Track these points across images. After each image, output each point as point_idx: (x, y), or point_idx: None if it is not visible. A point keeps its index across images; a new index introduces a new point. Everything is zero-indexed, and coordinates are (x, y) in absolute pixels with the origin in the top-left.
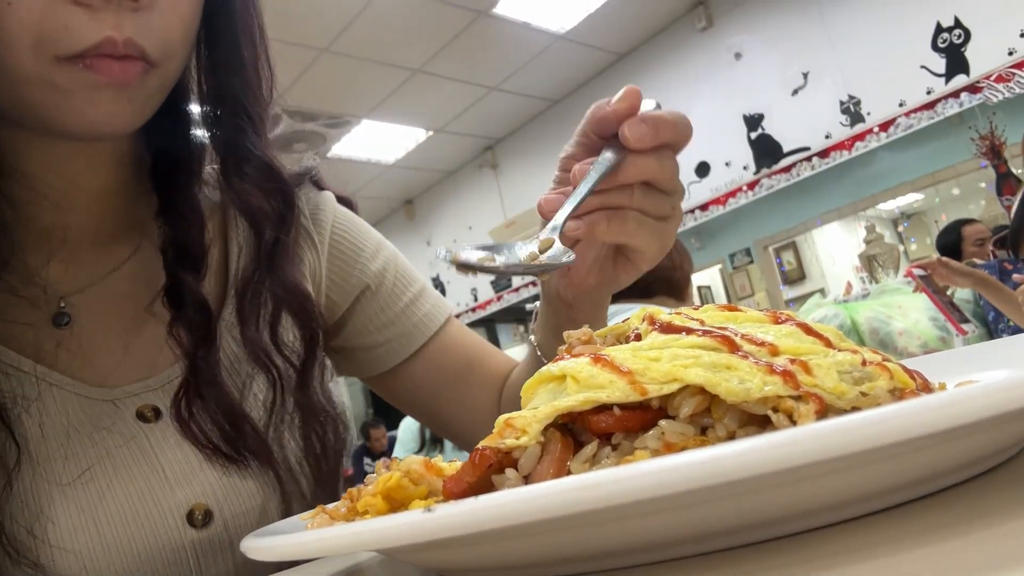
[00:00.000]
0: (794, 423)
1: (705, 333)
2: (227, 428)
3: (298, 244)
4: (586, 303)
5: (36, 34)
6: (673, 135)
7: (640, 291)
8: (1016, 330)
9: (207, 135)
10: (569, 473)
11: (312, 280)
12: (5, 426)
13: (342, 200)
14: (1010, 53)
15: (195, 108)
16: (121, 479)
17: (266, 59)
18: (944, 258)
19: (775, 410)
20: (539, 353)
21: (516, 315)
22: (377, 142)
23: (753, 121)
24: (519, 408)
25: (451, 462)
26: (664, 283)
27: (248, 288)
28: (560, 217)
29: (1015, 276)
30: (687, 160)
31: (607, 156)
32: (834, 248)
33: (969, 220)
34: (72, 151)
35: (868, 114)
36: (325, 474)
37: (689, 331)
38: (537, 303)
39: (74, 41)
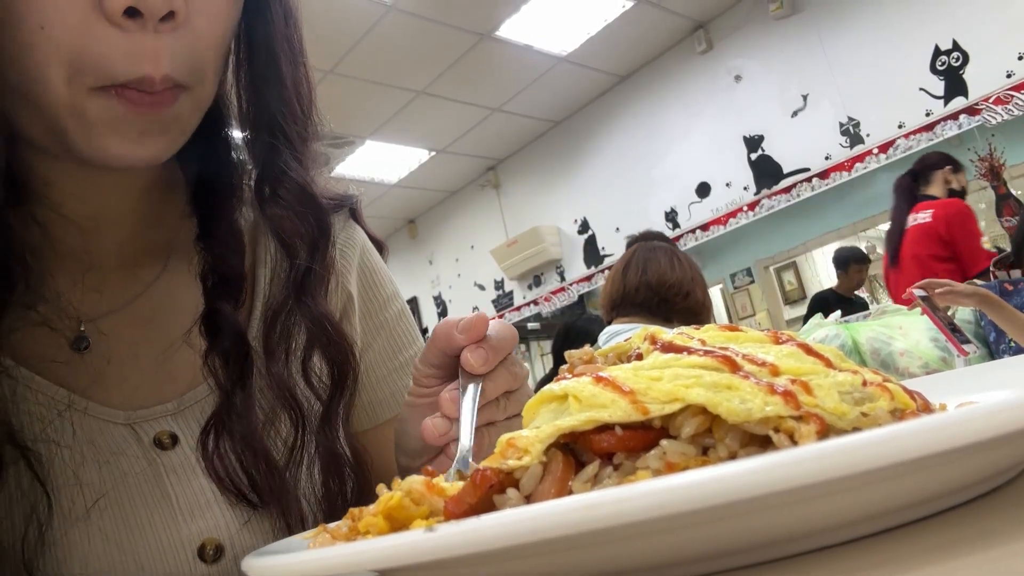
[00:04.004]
0: (795, 443)
1: (706, 353)
2: (251, 469)
3: (330, 272)
4: None
5: (71, 64)
6: (506, 349)
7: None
8: (1017, 350)
9: (245, 156)
10: (571, 493)
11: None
12: (38, 481)
13: (374, 242)
14: (1008, 75)
15: (235, 131)
16: (135, 508)
17: (305, 76)
18: (948, 280)
19: (776, 430)
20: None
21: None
22: (380, 162)
23: (753, 142)
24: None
25: (453, 483)
26: (682, 312)
27: (278, 319)
28: (463, 452)
29: None
30: (688, 181)
31: (470, 384)
32: (835, 268)
33: None
34: (100, 177)
35: (867, 136)
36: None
37: (690, 351)
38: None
39: (111, 75)
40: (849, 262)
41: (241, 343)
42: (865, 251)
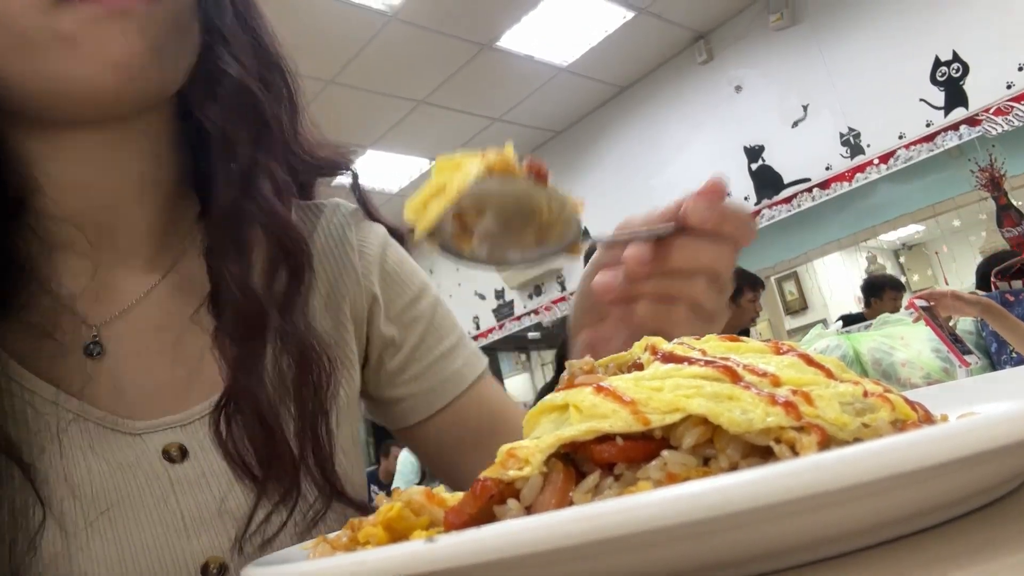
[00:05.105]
0: (796, 454)
1: (707, 363)
2: (261, 446)
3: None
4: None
5: None
6: (735, 228)
7: None
8: (1019, 361)
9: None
10: (571, 504)
11: (353, 315)
12: (31, 486)
13: (394, 231)
14: (1008, 86)
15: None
16: (140, 523)
17: (288, 100)
18: (953, 289)
19: (777, 441)
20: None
21: (517, 344)
22: (382, 171)
23: (754, 152)
24: None
25: (453, 493)
26: None
27: (230, 221)
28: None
29: None
30: (689, 190)
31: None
32: (836, 278)
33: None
34: (104, 159)
35: (868, 146)
36: (309, 420)
37: (691, 361)
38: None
39: None
40: (884, 288)
41: (252, 319)
42: (866, 260)
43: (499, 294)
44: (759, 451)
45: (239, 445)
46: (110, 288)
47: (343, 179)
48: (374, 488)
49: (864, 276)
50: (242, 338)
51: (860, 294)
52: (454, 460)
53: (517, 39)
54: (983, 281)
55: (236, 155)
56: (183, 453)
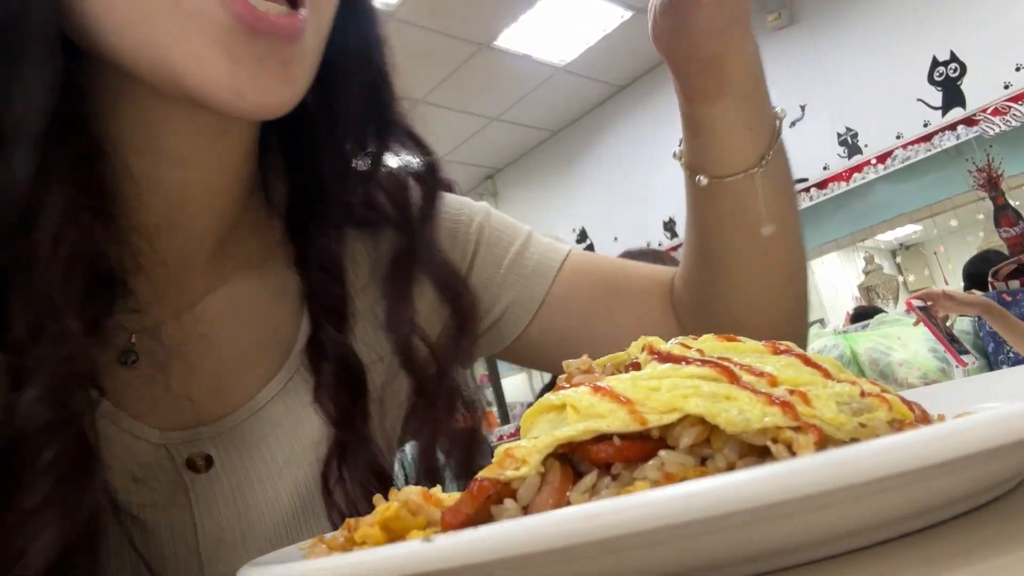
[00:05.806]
0: (793, 454)
1: (704, 363)
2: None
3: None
4: (686, 60)
5: None
6: None
7: None
8: (1016, 362)
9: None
10: (569, 504)
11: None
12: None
13: (425, 178)
14: (1006, 87)
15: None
16: (156, 543)
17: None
18: (948, 289)
19: (774, 441)
20: (682, 162)
21: None
22: None
23: None
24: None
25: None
26: None
27: (399, 266)
28: None
29: None
30: (681, 193)
31: None
32: (833, 278)
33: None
34: (201, 150)
35: (865, 146)
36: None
37: (688, 361)
38: None
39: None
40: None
41: (353, 369)
42: (864, 260)
43: None
44: (756, 451)
45: (355, 503)
46: (157, 298)
47: None
48: None
49: (861, 276)
50: (349, 400)
51: (852, 307)
52: (573, 347)
53: (515, 38)
54: (970, 281)
55: (410, 209)
56: (208, 462)
